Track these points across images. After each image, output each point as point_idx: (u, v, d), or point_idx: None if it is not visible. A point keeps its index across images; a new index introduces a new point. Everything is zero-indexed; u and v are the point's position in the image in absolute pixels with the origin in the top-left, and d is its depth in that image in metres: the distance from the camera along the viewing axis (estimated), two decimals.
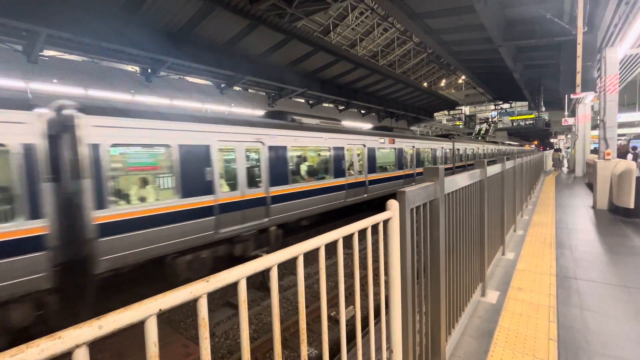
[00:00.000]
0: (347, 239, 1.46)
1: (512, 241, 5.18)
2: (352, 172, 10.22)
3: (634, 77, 14.86)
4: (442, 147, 16.64)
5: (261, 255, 1.05)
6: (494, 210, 3.79)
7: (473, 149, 20.77)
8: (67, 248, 4.63)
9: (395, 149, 12.65)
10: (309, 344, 5.28)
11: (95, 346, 5.08)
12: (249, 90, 15.57)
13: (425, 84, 39.20)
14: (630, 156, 12.38)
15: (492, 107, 40.91)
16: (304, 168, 8.72)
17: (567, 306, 3.04)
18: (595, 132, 13.16)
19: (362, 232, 1.51)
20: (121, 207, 5.06)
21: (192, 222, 5.88)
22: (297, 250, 1.14)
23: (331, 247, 1.35)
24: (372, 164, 11.10)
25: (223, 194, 6.43)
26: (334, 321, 5.84)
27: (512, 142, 42.21)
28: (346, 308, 6.01)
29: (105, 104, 5.40)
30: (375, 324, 1.88)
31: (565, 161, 27.97)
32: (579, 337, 2.53)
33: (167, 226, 5.53)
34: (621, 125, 21.05)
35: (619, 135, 15.15)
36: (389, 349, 1.68)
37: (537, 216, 7.05)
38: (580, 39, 7.36)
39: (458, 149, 18.33)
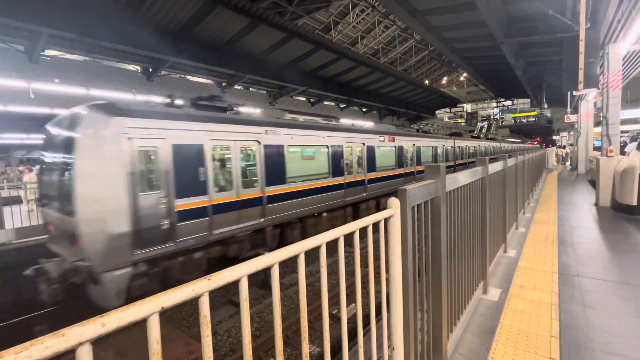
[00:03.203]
0: (349, 237, 1.47)
1: (513, 239, 5.17)
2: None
3: (637, 74, 14.73)
4: (496, 145, 27.75)
5: (262, 254, 1.06)
6: (495, 208, 3.79)
7: (507, 146, 32.39)
8: None
9: (479, 145, 23.23)
10: (310, 342, 5.30)
11: (99, 344, 5.11)
12: (250, 89, 15.57)
13: (426, 82, 39.05)
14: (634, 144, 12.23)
15: (494, 104, 40.75)
16: (385, 160, 12.10)
17: (569, 304, 3.04)
18: (598, 129, 13.07)
19: (363, 230, 1.51)
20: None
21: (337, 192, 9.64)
22: (299, 248, 1.14)
23: (333, 245, 1.36)
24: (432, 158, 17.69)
25: (349, 175, 10.00)
26: (335, 319, 5.86)
27: (514, 140, 42.31)
28: (348, 306, 6.02)
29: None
30: (377, 322, 1.88)
31: (568, 158, 28.01)
32: (581, 335, 2.53)
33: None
34: (624, 122, 20.91)
35: (622, 132, 15.04)
36: (391, 347, 1.69)
37: (539, 214, 7.02)
38: (582, 35, 7.30)
39: (502, 146, 29.61)
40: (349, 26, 26.24)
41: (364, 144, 10.71)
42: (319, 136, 8.84)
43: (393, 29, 28.66)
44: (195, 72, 12.06)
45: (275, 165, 7.46)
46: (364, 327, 1.59)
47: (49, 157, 5.58)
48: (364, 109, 23.15)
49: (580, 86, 7.68)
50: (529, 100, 30.00)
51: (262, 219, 7.18)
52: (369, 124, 19.59)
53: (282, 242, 7.91)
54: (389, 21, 26.30)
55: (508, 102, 35.75)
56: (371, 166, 11.06)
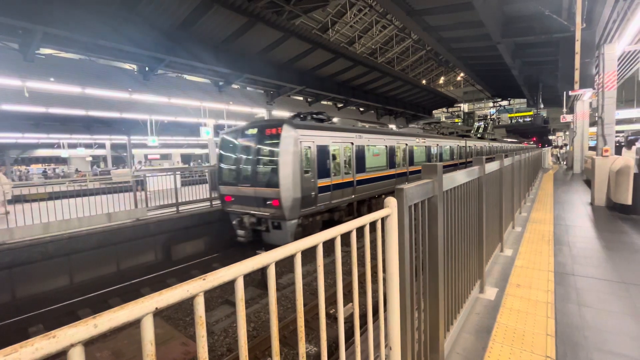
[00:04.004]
0: (346, 237, 1.46)
1: (510, 238, 5.19)
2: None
3: (632, 74, 14.86)
4: (498, 145, 30.43)
5: (259, 253, 1.05)
6: (492, 207, 3.80)
7: (508, 145, 34.76)
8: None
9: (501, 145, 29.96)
10: (309, 342, 5.29)
11: (94, 345, 5.08)
12: (247, 88, 15.53)
13: (424, 82, 39.14)
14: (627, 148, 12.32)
15: (491, 104, 40.93)
16: (420, 156, 15.04)
17: (565, 302, 3.05)
18: (594, 129, 13.16)
19: (360, 230, 1.51)
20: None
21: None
22: (295, 248, 1.14)
23: (330, 245, 1.35)
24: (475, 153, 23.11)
25: (398, 167, 12.88)
26: (333, 319, 5.86)
27: (513, 140, 42.66)
28: (345, 306, 6.02)
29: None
30: (374, 321, 1.88)
31: (563, 157, 28.38)
32: (577, 333, 2.54)
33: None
34: (619, 122, 21.10)
35: (617, 131, 15.16)
36: (388, 346, 1.68)
37: (535, 213, 7.06)
38: (578, 35, 7.35)
39: (502, 146, 32.45)
40: (346, 26, 26.24)
41: (407, 144, 13.54)
42: (381, 139, 11.79)
43: (390, 29, 28.69)
44: (192, 71, 12.00)
45: (360, 158, 10.49)
46: (361, 327, 1.58)
47: (243, 151, 8.71)
48: (361, 109, 23.17)
49: (576, 86, 7.73)
50: (525, 100, 30.16)
51: (353, 196, 10.08)
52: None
53: (360, 214, 10.31)
54: (386, 21, 26.33)
55: (505, 102, 35.94)
56: (411, 161, 13.88)
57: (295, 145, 7.86)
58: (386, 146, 12.04)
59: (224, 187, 9.10)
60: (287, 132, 7.93)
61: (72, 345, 0.61)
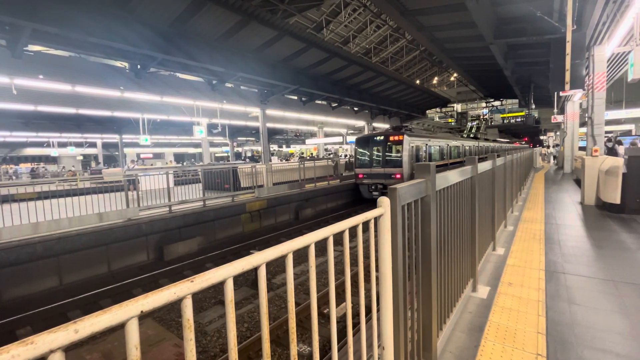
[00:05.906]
0: (338, 237, 1.45)
1: (502, 237, 5.24)
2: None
3: (621, 75, 15.12)
4: (499, 145, 34.51)
5: (252, 253, 1.03)
6: (484, 207, 3.82)
7: (506, 146, 38.72)
8: None
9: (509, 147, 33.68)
10: (302, 342, 5.28)
11: (83, 347, 5.00)
12: (241, 87, 15.43)
13: (417, 82, 39.34)
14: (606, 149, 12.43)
15: (484, 104, 41.33)
16: (457, 153, 21.56)
17: (555, 300, 3.09)
18: (584, 130, 13.36)
19: (353, 230, 1.50)
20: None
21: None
22: (286, 248, 1.12)
23: (324, 244, 1.33)
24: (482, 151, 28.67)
25: (449, 158, 19.94)
26: (327, 318, 5.85)
27: (507, 140, 43.34)
28: (338, 305, 6.02)
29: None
30: (367, 321, 1.87)
31: (552, 157, 28.98)
32: (567, 331, 2.57)
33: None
34: (608, 122, 21.45)
35: (606, 132, 15.40)
36: (381, 346, 1.68)
37: (526, 212, 7.15)
38: (569, 36, 7.44)
39: (502, 146, 35.68)
40: (340, 25, 26.25)
41: (448, 144, 19.65)
42: (438, 141, 18.03)
43: (385, 29, 28.78)
44: (185, 70, 11.87)
45: (430, 153, 16.77)
46: (354, 327, 1.57)
47: (374, 148, 15.24)
48: (355, 108, 23.19)
49: (567, 87, 7.84)
50: (517, 100, 30.55)
51: None
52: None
53: None
54: (380, 21, 26.40)
55: (497, 103, 36.36)
56: (450, 155, 19.99)
57: (409, 145, 14.25)
58: (439, 146, 18.24)
59: (358, 169, 15.61)
60: (406, 138, 14.27)
61: (51, 352, 0.58)
